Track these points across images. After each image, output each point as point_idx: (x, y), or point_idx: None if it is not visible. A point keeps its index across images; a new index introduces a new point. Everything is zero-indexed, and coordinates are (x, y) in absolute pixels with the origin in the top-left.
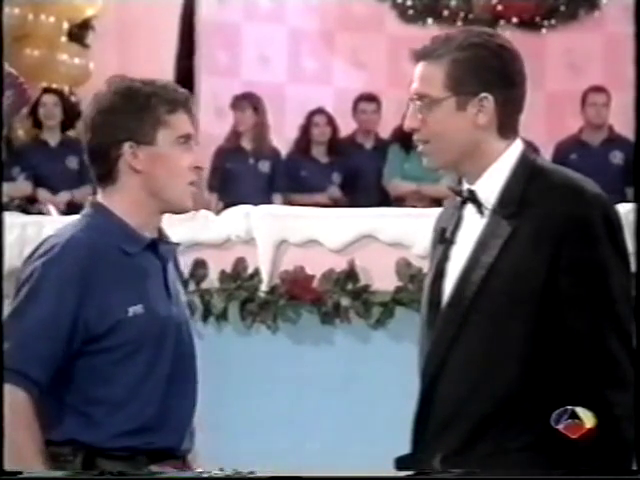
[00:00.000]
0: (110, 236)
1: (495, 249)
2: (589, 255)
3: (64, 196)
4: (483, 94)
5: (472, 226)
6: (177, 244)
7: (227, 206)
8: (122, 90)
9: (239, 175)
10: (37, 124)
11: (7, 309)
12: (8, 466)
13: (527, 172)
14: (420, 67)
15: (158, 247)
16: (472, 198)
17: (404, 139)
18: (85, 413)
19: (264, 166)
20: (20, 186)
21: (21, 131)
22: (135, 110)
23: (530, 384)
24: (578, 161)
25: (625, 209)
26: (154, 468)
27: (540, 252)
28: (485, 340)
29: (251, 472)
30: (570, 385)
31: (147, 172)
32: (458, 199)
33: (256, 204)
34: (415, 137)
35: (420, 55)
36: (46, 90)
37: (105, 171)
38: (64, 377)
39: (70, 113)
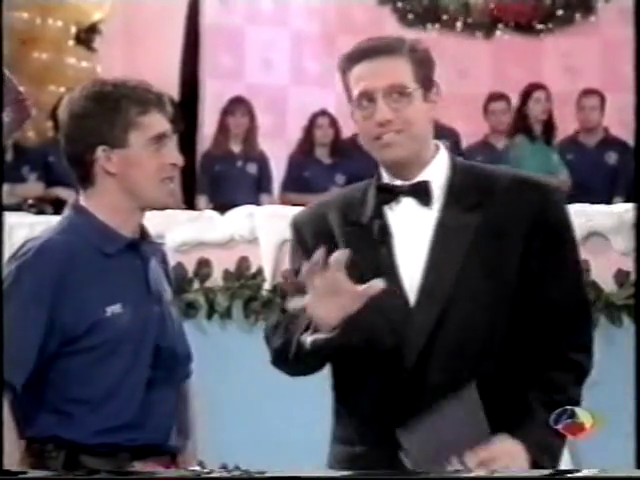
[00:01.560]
0: (88, 237)
1: (463, 239)
2: (557, 236)
3: None
4: (434, 88)
5: (414, 220)
6: (161, 243)
7: (216, 207)
8: (92, 95)
9: (227, 177)
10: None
11: None
12: None
13: (465, 167)
14: (383, 62)
15: (139, 246)
16: (418, 190)
17: (527, 129)
18: (65, 412)
19: (252, 168)
20: (31, 187)
21: (31, 132)
22: (105, 114)
23: (504, 365)
24: (575, 162)
25: (621, 209)
26: (137, 464)
27: (510, 237)
28: (464, 328)
29: (261, 472)
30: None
31: (121, 174)
32: (372, 193)
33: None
34: (386, 128)
35: (378, 50)
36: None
37: (82, 174)
38: (43, 378)
39: None
